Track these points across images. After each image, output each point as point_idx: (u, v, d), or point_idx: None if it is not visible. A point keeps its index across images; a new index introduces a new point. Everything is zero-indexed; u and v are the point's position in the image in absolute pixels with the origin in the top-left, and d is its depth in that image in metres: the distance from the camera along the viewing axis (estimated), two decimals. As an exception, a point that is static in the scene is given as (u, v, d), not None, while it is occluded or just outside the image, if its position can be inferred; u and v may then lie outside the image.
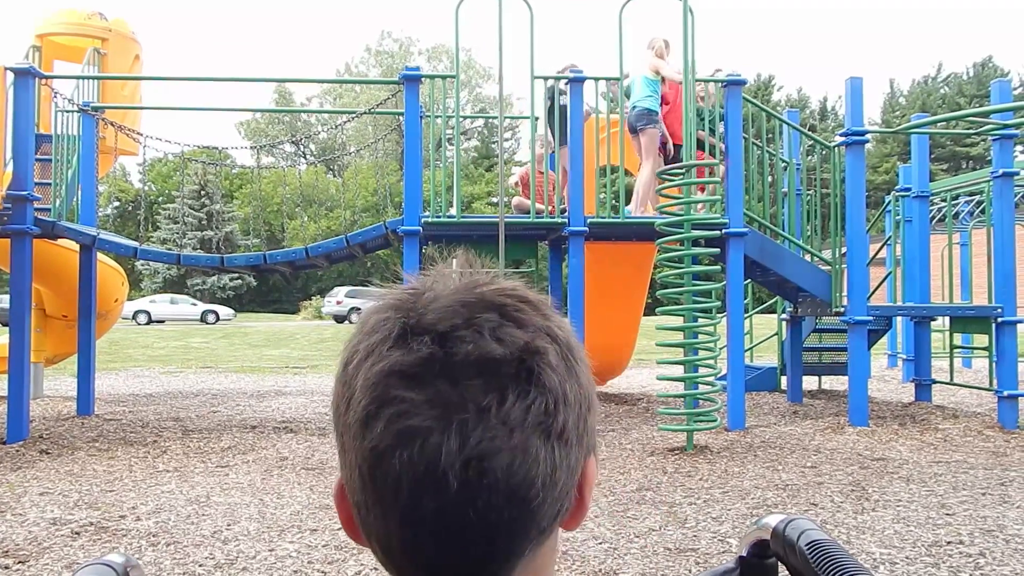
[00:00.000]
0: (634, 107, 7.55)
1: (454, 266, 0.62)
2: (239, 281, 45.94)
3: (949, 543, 3.89)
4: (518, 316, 0.54)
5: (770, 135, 8.32)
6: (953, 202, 9.22)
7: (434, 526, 0.50)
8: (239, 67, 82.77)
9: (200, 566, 3.57)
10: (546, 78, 7.16)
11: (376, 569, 3.53)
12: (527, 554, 0.54)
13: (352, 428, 0.53)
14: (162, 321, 33.50)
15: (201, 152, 13.03)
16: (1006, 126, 7.34)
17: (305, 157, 52.38)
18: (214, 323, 33.29)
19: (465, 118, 39.27)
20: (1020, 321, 7.50)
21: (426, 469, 0.49)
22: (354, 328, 0.58)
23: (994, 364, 7.53)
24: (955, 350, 8.85)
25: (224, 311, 35.61)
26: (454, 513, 0.50)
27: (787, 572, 0.72)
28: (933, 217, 11.24)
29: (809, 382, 9.89)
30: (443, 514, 0.50)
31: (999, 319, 7.36)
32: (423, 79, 7.18)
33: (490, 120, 50.85)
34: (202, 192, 45.11)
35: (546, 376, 0.53)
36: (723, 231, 7.08)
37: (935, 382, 8.79)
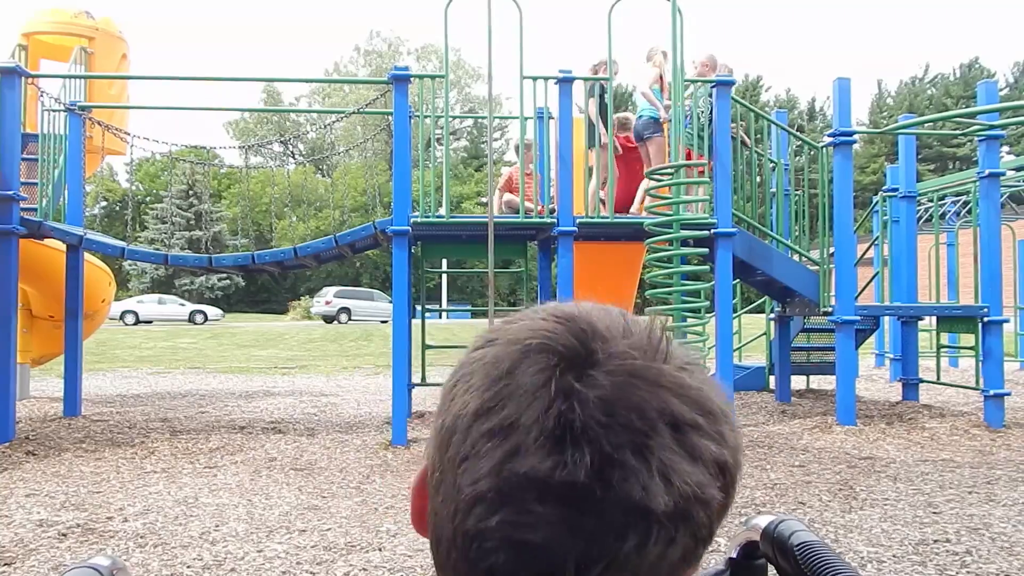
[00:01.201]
0: (640, 116, 7.72)
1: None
2: (227, 281, 45.77)
3: (936, 541, 3.92)
4: (694, 442, 0.46)
5: (758, 135, 8.34)
6: (940, 202, 9.28)
7: None
8: (227, 67, 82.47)
9: (188, 567, 3.55)
10: (535, 78, 7.15)
11: (364, 571, 3.53)
12: None
13: (459, 488, 0.46)
14: (150, 321, 33.32)
15: (189, 152, 12.96)
16: (992, 127, 7.39)
17: (294, 157, 52.26)
18: (202, 323, 33.16)
19: (454, 118, 39.19)
20: (1006, 321, 7.55)
21: None
22: (490, 347, 0.50)
23: (980, 363, 7.57)
24: (942, 349, 8.91)
25: (212, 311, 35.47)
26: None
27: (776, 573, 0.72)
28: (920, 217, 11.30)
29: (797, 381, 9.94)
30: None
31: (985, 319, 7.41)
32: (412, 79, 7.16)
33: (479, 120, 50.86)
34: (190, 192, 44.90)
35: (702, 519, 0.46)
36: (712, 231, 7.10)
37: (922, 381, 8.84)
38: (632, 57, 7.92)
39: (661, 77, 7.64)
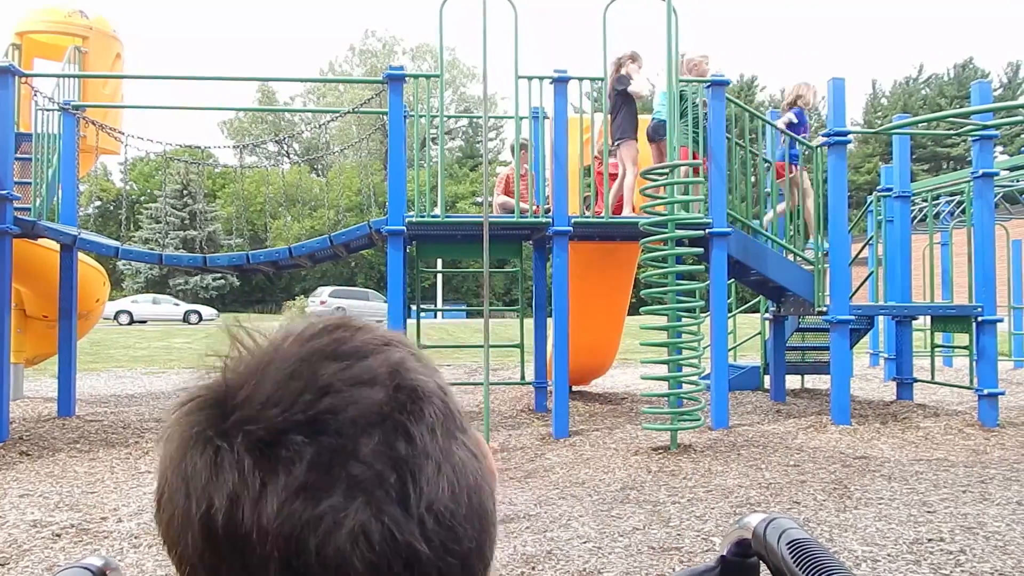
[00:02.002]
0: (654, 117, 7.86)
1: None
2: (222, 281, 45.68)
3: (930, 540, 3.93)
4: None
5: (753, 135, 8.35)
6: (934, 202, 9.31)
7: None
8: (222, 66, 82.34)
9: (182, 568, 3.54)
10: (530, 78, 7.16)
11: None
12: None
13: None
14: (144, 321, 33.24)
15: (183, 151, 12.93)
16: (986, 127, 7.41)
17: (288, 156, 52.21)
18: (197, 323, 33.10)
19: (449, 117, 39.16)
20: (1000, 320, 7.57)
21: None
22: None
23: (974, 363, 7.59)
24: (936, 349, 8.93)
25: (207, 311, 35.40)
26: None
27: (769, 571, 0.72)
28: (914, 217, 11.32)
29: (792, 381, 9.96)
30: None
31: (979, 318, 7.43)
32: (407, 78, 7.16)
33: (474, 120, 50.82)
34: (184, 191, 44.81)
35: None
36: (706, 231, 7.11)
37: (916, 381, 8.86)
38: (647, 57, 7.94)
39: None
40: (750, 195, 8.13)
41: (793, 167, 8.06)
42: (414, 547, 0.45)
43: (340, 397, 0.47)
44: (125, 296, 38.14)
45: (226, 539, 0.45)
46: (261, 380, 0.48)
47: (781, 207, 8.16)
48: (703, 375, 6.89)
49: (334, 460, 0.45)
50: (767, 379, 9.62)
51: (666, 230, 6.36)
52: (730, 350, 9.65)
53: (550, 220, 7.10)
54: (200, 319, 33.96)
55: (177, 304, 35.61)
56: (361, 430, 0.46)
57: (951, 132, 7.49)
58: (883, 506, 4.58)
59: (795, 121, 8.15)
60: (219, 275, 43.65)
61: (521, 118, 7.33)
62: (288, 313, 38.70)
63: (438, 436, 0.49)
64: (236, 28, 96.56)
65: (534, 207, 7.40)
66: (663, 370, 6.54)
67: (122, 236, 9.62)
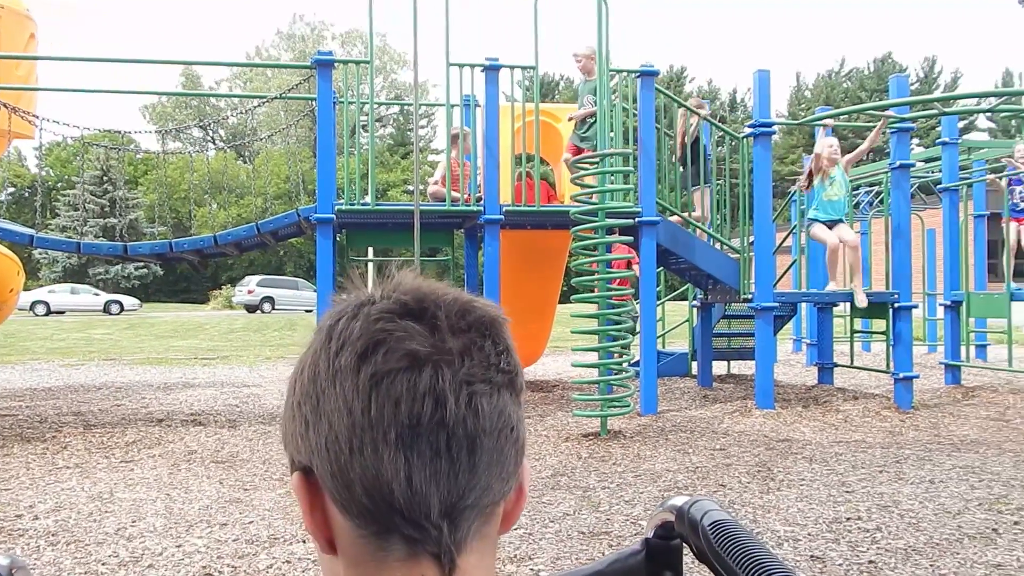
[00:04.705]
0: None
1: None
2: (145, 270, 44.28)
3: (849, 519, 4.07)
4: (472, 304, 0.60)
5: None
6: (853, 192, 9.60)
7: (431, 441, 0.53)
8: (144, 48, 79.56)
9: (103, 564, 3.43)
10: (461, 65, 7.12)
11: (288, 563, 3.47)
12: (490, 514, 0.58)
13: (341, 373, 0.55)
14: (62, 312, 32.03)
15: (103, 136, 12.48)
16: (903, 120, 7.68)
17: (214, 142, 50.84)
18: (118, 314, 32.04)
19: (379, 104, 38.69)
20: (915, 307, 7.87)
21: (428, 387, 0.53)
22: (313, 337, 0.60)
23: (891, 348, 7.89)
24: (855, 335, 9.24)
25: (129, 301, 34.27)
26: (452, 432, 0.54)
27: (691, 552, 0.73)
28: (835, 207, 11.68)
29: (719, 367, 10.18)
30: (442, 428, 0.53)
31: (895, 304, 7.70)
32: (336, 64, 7.04)
33: (405, 107, 50.35)
34: (104, 178, 43.22)
35: (508, 341, 0.60)
36: (636, 219, 7.19)
37: (837, 365, 9.16)
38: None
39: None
40: (679, 184, 8.26)
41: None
42: None
43: None
44: (42, 286, 36.62)
45: None
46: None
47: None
48: (633, 362, 6.98)
49: None
50: (695, 365, 9.81)
51: (596, 218, 6.41)
52: (659, 337, 9.81)
53: (482, 208, 7.09)
54: (122, 309, 32.86)
55: (97, 294, 34.37)
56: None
57: (870, 124, 7.73)
58: (804, 487, 4.72)
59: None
60: (141, 264, 42.28)
61: (453, 106, 7.28)
62: (215, 303, 37.81)
63: None
64: (159, 9, 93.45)
65: (466, 196, 7.37)
66: (594, 357, 6.61)
67: (37, 224, 9.23)
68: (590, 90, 7.46)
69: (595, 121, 7.42)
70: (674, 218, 7.91)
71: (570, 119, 7.48)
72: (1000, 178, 9.49)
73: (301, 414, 0.57)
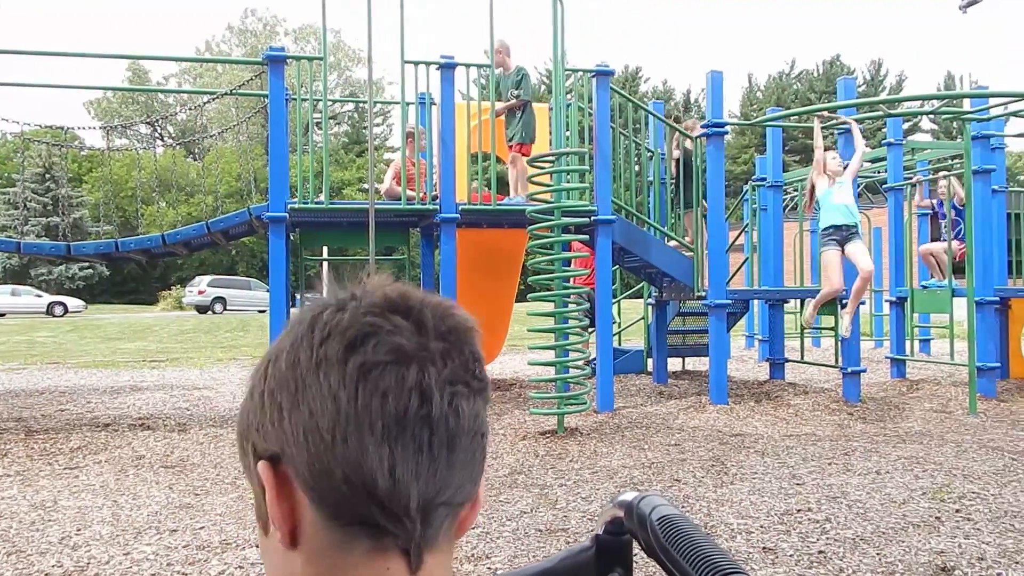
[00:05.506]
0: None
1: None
2: (90, 271, 43.16)
3: (799, 511, 4.15)
4: (452, 309, 0.61)
5: (637, 125, 8.55)
6: (804, 191, 9.76)
7: (415, 435, 0.54)
8: (89, 42, 77.65)
9: (46, 575, 3.34)
10: (417, 63, 7.08)
11: (240, 568, 3.41)
12: (456, 514, 0.59)
13: (326, 362, 0.55)
14: (2, 314, 31.05)
15: (45, 132, 12.13)
16: (844, 122, 7.83)
17: (162, 139, 49.77)
18: (62, 316, 31.18)
19: (334, 102, 38.30)
20: (862, 303, 8.03)
21: (415, 382, 0.54)
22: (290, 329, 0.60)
23: (839, 343, 8.04)
24: (805, 331, 9.41)
25: (73, 303, 33.35)
26: (435, 428, 0.55)
27: (640, 548, 0.73)
28: (786, 206, 11.88)
29: (674, 363, 10.29)
30: (426, 424, 0.55)
31: (844, 301, 7.85)
32: (288, 60, 6.95)
33: (360, 104, 49.93)
34: (47, 175, 42.04)
35: (480, 352, 0.60)
36: (592, 218, 7.23)
37: (788, 361, 9.33)
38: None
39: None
40: (634, 183, 8.33)
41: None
42: None
43: None
44: (-20, 287, 35.51)
45: None
46: None
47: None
48: (589, 359, 7.01)
49: None
50: (650, 362, 9.90)
51: (552, 217, 6.43)
52: (615, 334, 9.88)
53: (437, 207, 7.06)
54: (66, 311, 31.99)
55: (40, 295, 33.39)
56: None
57: (823, 126, 7.89)
58: (757, 480, 4.80)
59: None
60: (86, 264, 41.27)
61: (408, 104, 7.24)
62: (164, 304, 37.06)
63: None
64: (105, 1, 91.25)
65: (422, 194, 7.33)
66: (551, 355, 6.63)
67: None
68: (512, 84, 7.50)
69: (523, 114, 7.45)
70: (672, 243, 8.07)
71: (497, 115, 7.45)
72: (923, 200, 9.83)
73: (274, 402, 0.57)
